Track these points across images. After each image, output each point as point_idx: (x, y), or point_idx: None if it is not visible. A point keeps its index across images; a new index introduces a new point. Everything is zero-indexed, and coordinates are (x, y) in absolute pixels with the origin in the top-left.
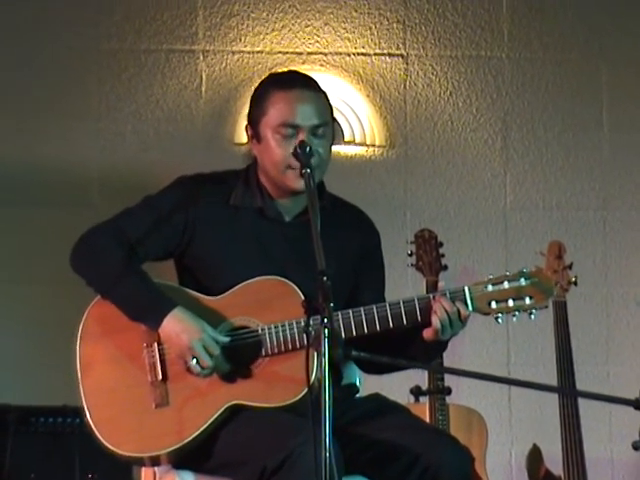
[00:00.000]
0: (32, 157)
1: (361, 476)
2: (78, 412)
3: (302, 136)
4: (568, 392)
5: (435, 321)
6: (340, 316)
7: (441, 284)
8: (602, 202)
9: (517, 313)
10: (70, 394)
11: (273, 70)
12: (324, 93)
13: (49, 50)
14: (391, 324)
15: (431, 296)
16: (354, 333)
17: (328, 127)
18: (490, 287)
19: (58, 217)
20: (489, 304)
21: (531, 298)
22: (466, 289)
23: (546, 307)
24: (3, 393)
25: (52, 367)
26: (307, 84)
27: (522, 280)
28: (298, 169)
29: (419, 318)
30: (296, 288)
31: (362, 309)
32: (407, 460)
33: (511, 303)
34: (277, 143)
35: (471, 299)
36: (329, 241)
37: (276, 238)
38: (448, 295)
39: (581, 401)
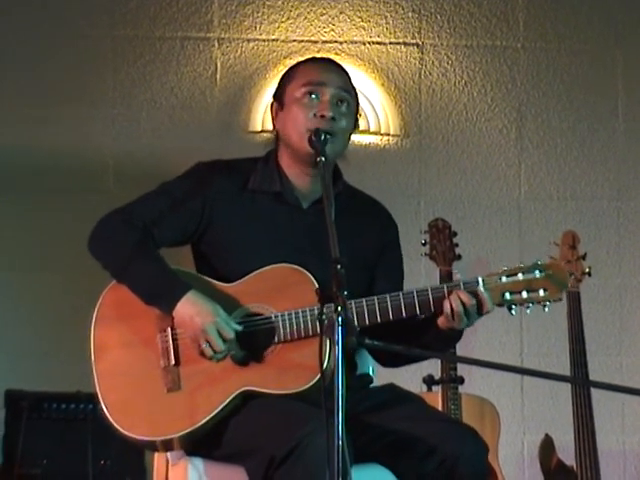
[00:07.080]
0: (47, 144)
1: (376, 463)
2: (91, 398)
3: (326, 97)
4: (581, 382)
5: (447, 310)
6: (354, 305)
7: (457, 276)
8: (616, 192)
9: (531, 305)
10: (84, 380)
11: (288, 58)
12: (349, 76)
13: (64, 37)
14: (404, 314)
15: (445, 287)
16: (367, 322)
17: (352, 100)
18: (504, 278)
19: (73, 204)
20: (503, 295)
21: (545, 290)
22: (480, 280)
23: (560, 300)
24: (17, 379)
25: (66, 353)
26: (334, 61)
27: (536, 272)
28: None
29: (432, 308)
30: (310, 275)
31: (375, 298)
32: (422, 450)
33: (525, 295)
34: (300, 105)
35: (485, 290)
36: (345, 228)
37: (293, 224)
38: (462, 286)
39: (594, 392)
